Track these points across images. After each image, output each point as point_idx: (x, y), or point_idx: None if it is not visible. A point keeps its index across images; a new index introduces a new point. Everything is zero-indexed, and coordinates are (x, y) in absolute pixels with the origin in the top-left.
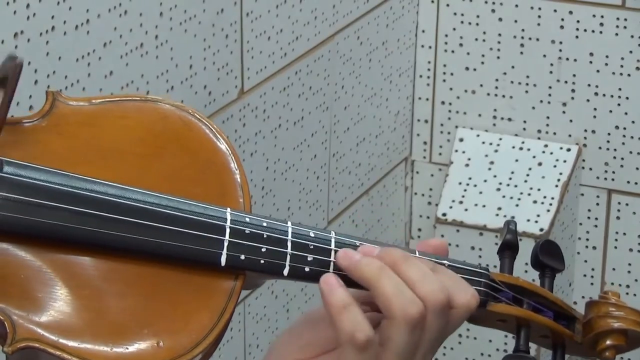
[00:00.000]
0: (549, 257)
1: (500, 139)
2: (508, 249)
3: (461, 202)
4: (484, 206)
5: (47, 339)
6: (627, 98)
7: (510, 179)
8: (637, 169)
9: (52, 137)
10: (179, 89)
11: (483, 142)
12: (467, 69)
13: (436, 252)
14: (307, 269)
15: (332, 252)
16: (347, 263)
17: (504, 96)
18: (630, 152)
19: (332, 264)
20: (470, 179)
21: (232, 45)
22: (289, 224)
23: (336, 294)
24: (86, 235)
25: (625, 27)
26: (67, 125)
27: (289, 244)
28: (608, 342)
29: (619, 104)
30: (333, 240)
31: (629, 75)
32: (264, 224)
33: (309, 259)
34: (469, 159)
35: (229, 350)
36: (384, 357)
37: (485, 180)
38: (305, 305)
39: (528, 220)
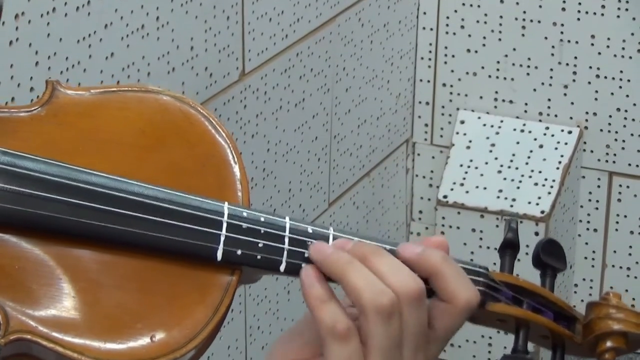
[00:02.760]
0: (550, 257)
1: (502, 121)
2: (509, 247)
3: (462, 184)
4: (485, 188)
5: (40, 331)
6: (629, 80)
7: (511, 161)
8: (639, 151)
9: (51, 127)
10: (180, 70)
11: (484, 125)
12: (468, 51)
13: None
14: (304, 265)
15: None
16: (318, 257)
17: (505, 78)
18: (632, 135)
19: None
20: (471, 161)
21: (233, 26)
22: (287, 219)
23: (315, 287)
24: (82, 228)
25: (627, 10)
26: (66, 115)
27: (287, 240)
28: (608, 344)
29: (620, 87)
30: (331, 236)
31: (630, 57)
32: (262, 219)
33: (306, 255)
34: (470, 141)
35: (230, 332)
36: (369, 356)
37: (486, 163)
38: None
39: (529, 203)
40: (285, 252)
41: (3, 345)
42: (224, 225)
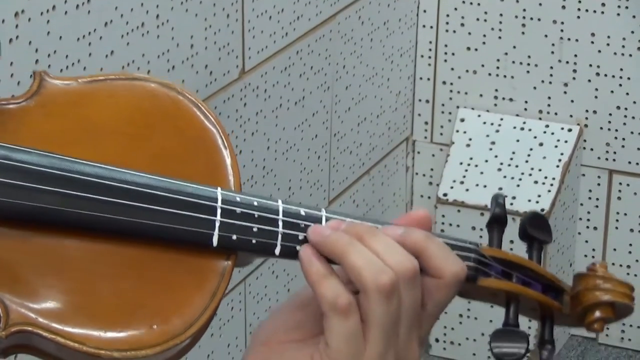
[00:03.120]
0: (536, 230)
1: (502, 119)
2: (496, 222)
3: (462, 182)
4: (485, 186)
5: (40, 322)
6: (629, 78)
7: (511, 159)
8: (639, 149)
9: (40, 118)
10: (180, 68)
11: (484, 122)
12: (468, 49)
13: (418, 225)
14: (298, 247)
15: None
16: (317, 239)
17: (505, 76)
18: (632, 133)
19: None
20: (471, 159)
21: (233, 24)
22: (280, 202)
23: (314, 263)
24: (77, 218)
25: (627, 7)
26: (55, 105)
27: (280, 223)
28: (596, 315)
29: (620, 84)
30: (324, 217)
31: (630, 55)
32: (255, 203)
33: (300, 237)
34: (470, 139)
35: (229, 330)
36: (369, 334)
37: (486, 161)
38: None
39: (529, 201)
40: (280, 236)
41: (4, 337)
42: (219, 210)
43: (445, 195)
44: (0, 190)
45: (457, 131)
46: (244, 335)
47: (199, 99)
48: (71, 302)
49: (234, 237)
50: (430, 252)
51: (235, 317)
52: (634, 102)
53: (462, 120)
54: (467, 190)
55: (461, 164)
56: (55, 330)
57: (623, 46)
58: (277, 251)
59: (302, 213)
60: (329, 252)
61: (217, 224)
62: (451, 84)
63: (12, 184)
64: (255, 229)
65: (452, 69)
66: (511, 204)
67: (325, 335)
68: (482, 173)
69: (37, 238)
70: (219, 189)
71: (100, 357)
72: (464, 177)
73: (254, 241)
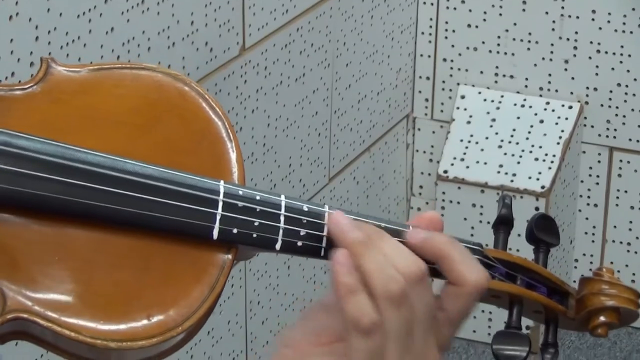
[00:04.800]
0: (544, 232)
1: (502, 96)
2: (503, 223)
3: (462, 160)
4: (485, 163)
5: (37, 310)
6: (630, 55)
7: (511, 136)
8: (639, 126)
9: (46, 105)
10: (180, 45)
11: (485, 100)
12: (469, 26)
13: (429, 227)
14: (299, 243)
15: (325, 227)
16: (335, 230)
17: (505, 53)
18: (632, 110)
19: (324, 239)
20: (471, 136)
21: (234, 1)
22: (283, 197)
23: (346, 276)
24: (78, 207)
25: None
26: (61, 93)
27: (282, 218)
28: (601, 319)
29: (621, 62)
30: (326, 214)
31: (631, 32)
32: (257, 198)
33: (301, 233)
34: (471, 116)
35: (230, 307)
36: (386, 344)
37: (486, 138)
38: (306, 262)
39: (529, 178)
40: (281, 231)
41: (1, 324)
42: (220, 204)
43: (445, 172)
44: (1, 177)
45: (458, 108)
46: (244, 312)
47: (206, 92)
48: (69, 291)
49: (235, 230)
50: (454, 258)
51: (235, 294)
52: (635, 80)
53: (463, 97)
54: (467, 167)
55: (461, 141)
56: (51, 318)
57: (624, 23)
58: (278, 246)
59: (305, 209)
60: (344, 246)
61: (218, 217)
62: (452, 60)
63: (15, 171)
64: (256, 224)
65: (453, 45)
66: (511, 181)
67: (347, 347)
68: (482, 150)
69: (37, 226)
70: (222, 181)
71: (96, 346)
72: (465, 154)
73: (254, 235)
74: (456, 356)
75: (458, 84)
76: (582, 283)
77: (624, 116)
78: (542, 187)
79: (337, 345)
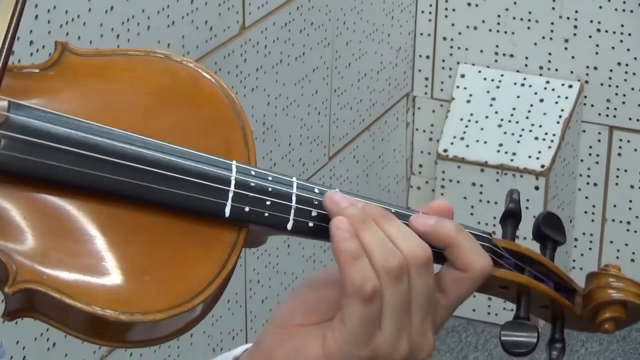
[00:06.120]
0: (551, 229)
1: (502, 75)
2: (510, 217)
3: (462, 138)
4: (485, 142)
5: (48, 281)
6: (630, 34)
7: (511, 115)
8: (639, 105)
9: (60, 85)
10: (180, 24)
11: (484, 79)
12: (469, 4)
13: (440, 214)
14: (310, 224)
15: None
16: (332, 207)
17: (505, 32)
18: (632, 89)
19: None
20: (471, 115)
21: None
22: (294, 179)
23: (347, 242)
24: (90, 180)
25: None
26: (75, 75)
27: (294, 198)
28: (608, 314)
29: (621, 41)
30: None
31: (631, 11)
32: (269, 178)
33: (313, 214)
34: (471, 95)
35: (229, 286)
36: (382, 316)
37: (486, 117)
38: (305, 241)
39: (529, 157)
40: (293, 211)
41: (11, 294)
42: (232, 181)
43: (445, 151)
44: (17, 147)
45: (458, 87)
46: (243, 291)
47: (217, 77)
48: (81, 264)
49: (247, 209)
50: (461, 245)
51: (235, 272)
52: (635, 58)
53: (463, 76)
54: (467, 146)
55: (461, 119)
56: (63, 289)
57: (624, 2)
58: (290, 226)
59: (316, 190)
60: None
61: (231, 195)
62: (452, 39)
63: (30, 141)
64: (268, 202)
65: (453, 24)
66: (511, 160)
67: (343, 313)
68: (482, 129)
69: (49, 199)
70: (235, 161)
71: (106, 318)
72: (464, 133)
73: (266, 214)
74: (455, 335)
75: (458, 62)
76: (589, 278)
77: (624, 95)
78: (542, 166)
79: (327, 324)
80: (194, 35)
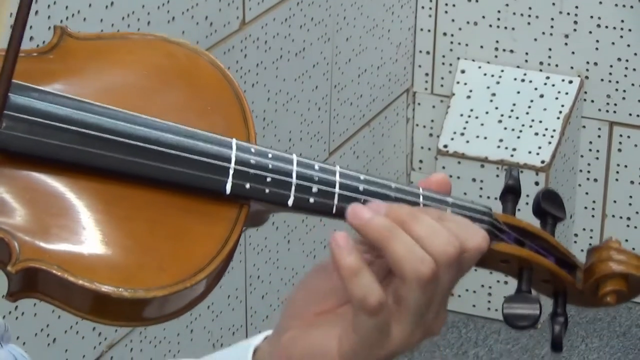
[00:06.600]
0: (550, 205)
1: (502, 70)
2: (510, 192)
3: (462, 134)
4: (485, 138)
5: (51, 259)
6: (630, 30)
7: (511, 110)
8: (639, 101)
9: (59, 68)
10: (180, 19)
11: (485, 74)
12: (469, 0)
13: (439, 188)
14: (311, 200)
15: (337, 184)
16: (357, 222)
17: (506, 28)
18: (633, 85)
19: (336, 195)
20: (471, 110)
21: None
22: (294, 156)
23: (345, 259)
24: (92, 159)
25: None
26: (74, 58)
27: (294, 174)
28: (609, 287)
29: (621, 36)
30: (338, 172)
31: (631, 7)
32: (270, 155)
33: (313, 189)
34: (471, 91)
35: (230, 281)
36: (398, 316)
37: (486, 112)
38: (305, 236)
39: (529, 152)
40: (293, 187)
41: (14, 273)
42: (233, 158)
43: (445, 146)
44: (21, 127)
45: (458, 83)
46: (243, 286)
47: (216, 59)
48: (82, 242)
49: (248, 185)
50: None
51: (235, 268)
52: (635, 54)
53: (463, 71)
54: (467, 141)
55: (462, 115)
56: (66, 267)
57: None
58: (290, 202)
59: (317, 167)
60: (370, 237)
61: (231, 172)
62: (452, 35)
63: (34, 121)
64: (269, 179)
65: (453, 20)
66: (511, 155)
67: (353, 322)
68: (482, 125)
69: (52, 178)
70: (234, 139)
71: (109, 295)
72: (465, 128)
73: (267, 191)
74: (455, 330)
75: (458, 58)
76: (590, 253)
77: (624, 91)
78: (542, 161)
79: (343, 309)
80: (194, 31)
